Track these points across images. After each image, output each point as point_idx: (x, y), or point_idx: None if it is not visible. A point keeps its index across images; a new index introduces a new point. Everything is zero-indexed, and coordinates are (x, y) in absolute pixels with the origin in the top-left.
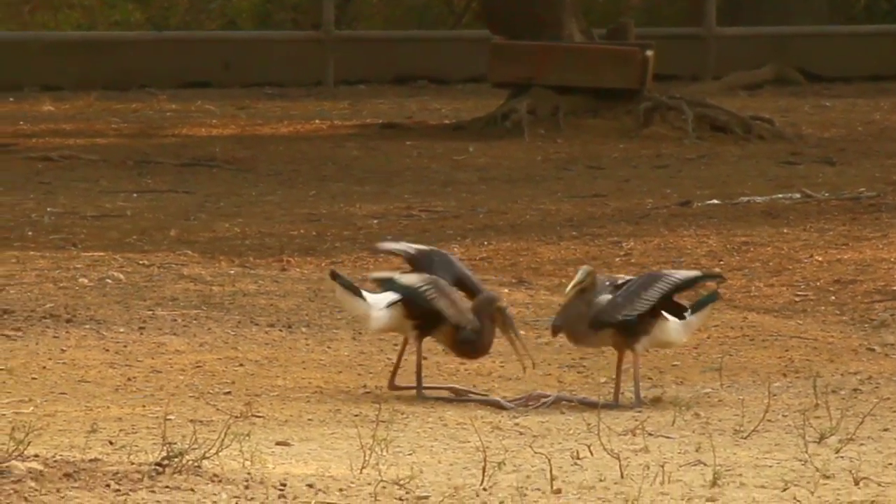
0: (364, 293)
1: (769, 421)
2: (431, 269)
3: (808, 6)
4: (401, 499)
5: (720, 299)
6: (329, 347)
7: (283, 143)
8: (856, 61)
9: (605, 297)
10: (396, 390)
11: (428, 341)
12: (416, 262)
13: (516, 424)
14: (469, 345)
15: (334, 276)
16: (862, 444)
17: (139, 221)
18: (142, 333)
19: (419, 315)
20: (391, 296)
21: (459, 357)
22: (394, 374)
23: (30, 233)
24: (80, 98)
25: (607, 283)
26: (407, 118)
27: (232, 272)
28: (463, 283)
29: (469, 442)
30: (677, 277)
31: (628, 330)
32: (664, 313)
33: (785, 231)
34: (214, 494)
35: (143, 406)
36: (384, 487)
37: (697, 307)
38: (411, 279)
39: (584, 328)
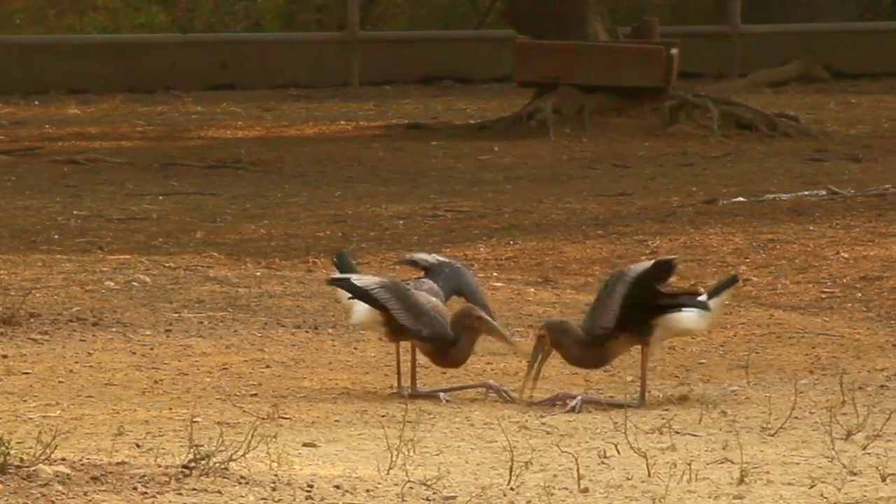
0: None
1: (796, 418)
2: (437, 278)
3: (835, 3)
4: (428, 499)
5: (738, 281)
6: (356, 348)
7: (309, 145)
8: (882, 57)
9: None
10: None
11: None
12: (429, 272)
13: (543, 424)
14: (438, 350)
15: (335, 281)
16: (889, 441)
17: (165, 224)
18: (168, 336)
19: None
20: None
21: (433, 363)
22: (412, 377)
23: (56, 236)
24: (106, 101)
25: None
26: (432, 118)
27: (258, 274)
28: (466, 296)
29: (496, 441)
30: (631, 276)
31: (631, 330)
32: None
33: (811, 228)
34: (241, 496)
35: (170, 408)
36: (411, 488)
37: (715, 292)
38: (366, 280)
39: (589, 354)
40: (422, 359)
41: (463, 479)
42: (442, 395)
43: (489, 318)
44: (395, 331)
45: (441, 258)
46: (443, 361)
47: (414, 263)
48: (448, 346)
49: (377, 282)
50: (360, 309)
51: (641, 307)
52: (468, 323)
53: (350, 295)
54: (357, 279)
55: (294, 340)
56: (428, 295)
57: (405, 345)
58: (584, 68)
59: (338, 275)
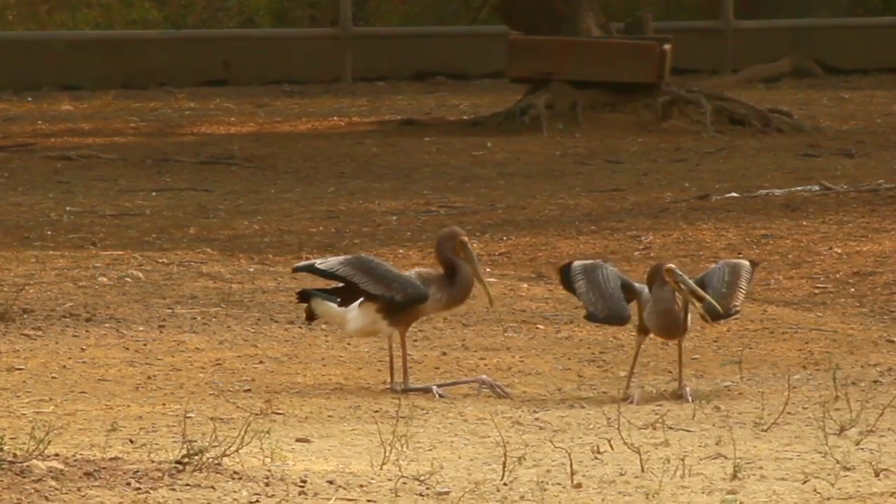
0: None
1: (789, 413)
2: None
3: None
4: (421, 494)
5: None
6: (349, 344)
7: (302, 141)
8: (874, 53)
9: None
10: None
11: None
12: None
13: (536, 419)
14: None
15: (305, 294)
16: (882, 436)
17: (158, 220)
18: (161, 332)
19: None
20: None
21: (451, 308)
22: (404, 371)
23: (49, 232)
24: (99, 97)
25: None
26: (425, 114)
27: (251, 269)
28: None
29: (489, 437)
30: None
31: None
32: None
33: (804, 223)
34: (235, 492)
35: (163, 404)
36: (404, 483)
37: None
38: (329, 262)
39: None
40: (415, 353)
41: (456, 475)
42: (435, 388)
43: (470, 246)
44: (394, 314)
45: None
46: (454, 299)
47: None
48: (450, 281)
49: (340, 260)
50: (353, 316)
51: None
52: (452, 244)
53: (336, 302)
54: (320, 262)
55: (287, 336)
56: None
57: (397, 338)
58: (577, 64)
59: (301, 263)
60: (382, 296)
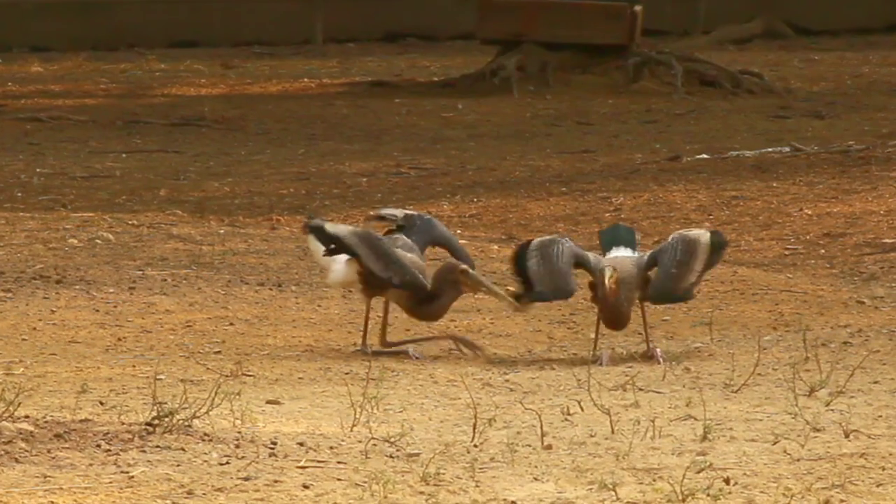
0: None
1: (759, 375)
2: (411, 231)
3: None
4: (391, 456)
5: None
6: (319, 306)
7: (272, 103)
8: (845, 14)
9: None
10: (389, 347)
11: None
12: (400, 227)
13: (506, 381)
14: (421, 303)
15: (311, 227)
16: (852, 397)
17: (128, 182)
18: (132, 293)
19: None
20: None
21: (409, 315)
22: (383, 331)
23: (19, 194)
24: (69, 59)
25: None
26: (396, 76)
27: (221, 231)
28: (444, 245)
29: (459, 399)
30: (705, 244)
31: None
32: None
33: (774, 185)
34: (205, 453)
35: (134, 366)
36: (375, 445)
37: None
38: (339, 229)
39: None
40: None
41: (426, 436)
42: (411, 350)
43: (474, 273)
44: (370, 285)
45: (408, 211)
46: (420, 313)
47: (383, 219)
48: (427, 300)
49: (349, 229)
50: (338, 268)
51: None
52: (452, 278)
53: (324, 249)
54: (331, 226)
55: (257, 298)
56: (403, 251)
57: (375, 303)
58: (548, 25)
59: (314, 222)
60: (380, 275)
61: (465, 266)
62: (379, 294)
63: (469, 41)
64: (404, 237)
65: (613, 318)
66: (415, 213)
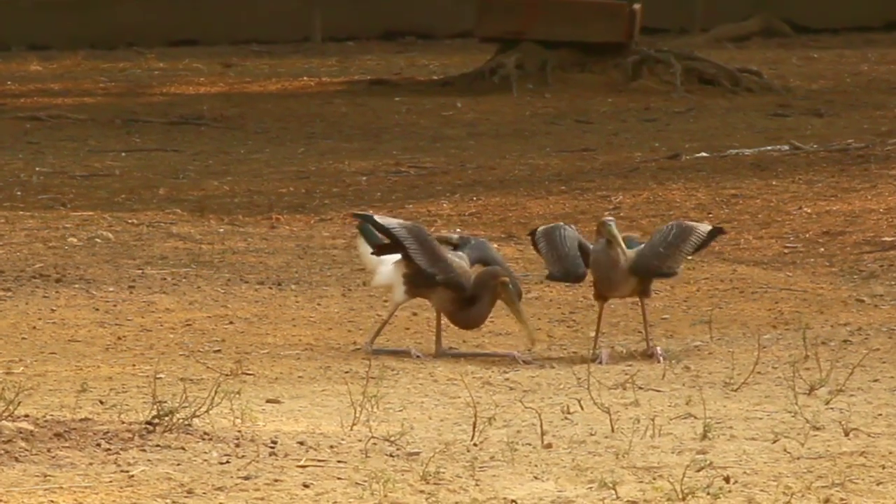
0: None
1: (759, 373)
2: (464, 247)
3: None
4: (391, 455)
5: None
6: (319, 304)
7: (272, 101)
8: (843, 12)
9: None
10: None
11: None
12: (456, 245)
13: (506, 379)
14: (462, 312)
15: (362, 220)
16: (852, 395)
17: (128, 180)
18: (131, 292)
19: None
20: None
21: (451, 321)
22: (438, 340)
23: (18, 193)
24: (68, 57)
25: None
26: (395, 74)
27: (221, 230)
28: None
29: (459, 397)
30: (698, 233)
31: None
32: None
33: (774, 183)
34: (205, 452)
35: (134, 365)
36: (375, 444)
37: None
38: (389, 220)
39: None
40: (385, 314)
41: (426, 435)
42: (412, 350)
43: (511, 288)
44: (415, 284)
45: (464, 234)
46: (461, 320)
47: (442, 240)
48: (468, 304)
49: (399, 222)
50: (385, 270)
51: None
52: (492, 284)
53: (371, 250)
54: (380, 218)
55: (257, 297)
56: (452, 253)
57: (406, 306)
58: (547, 23)
59: (360, 212)
60: (426, 269)
61: (506, 277)
62: (422, 295)
63: (468, 39)
64: (457, 252)
65: (610, 282)
66: (470, 235)
